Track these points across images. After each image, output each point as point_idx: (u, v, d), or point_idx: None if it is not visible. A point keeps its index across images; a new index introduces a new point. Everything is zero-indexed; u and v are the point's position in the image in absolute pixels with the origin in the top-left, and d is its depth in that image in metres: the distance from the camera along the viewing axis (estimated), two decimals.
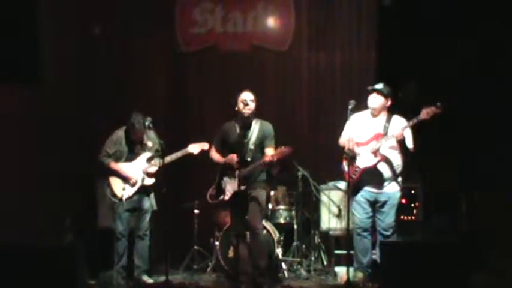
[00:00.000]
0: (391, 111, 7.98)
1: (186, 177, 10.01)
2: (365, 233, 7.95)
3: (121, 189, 8.20)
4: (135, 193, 8.28)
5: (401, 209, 8.20)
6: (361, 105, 7.94)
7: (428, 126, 7.57)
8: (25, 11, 8.90)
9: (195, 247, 9.36)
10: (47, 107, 9.39)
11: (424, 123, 7.53)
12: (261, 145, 7.91)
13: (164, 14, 10.69)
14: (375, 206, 7.90)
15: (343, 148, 7.97)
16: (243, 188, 7.77)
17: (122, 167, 8.30)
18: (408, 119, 7.73)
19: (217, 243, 8.92)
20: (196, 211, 9.42)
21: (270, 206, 9.30)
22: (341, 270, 8.44)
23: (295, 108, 10.59)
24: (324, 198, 9.22)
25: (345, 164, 7.95)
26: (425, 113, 7.46)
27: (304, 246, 9.29)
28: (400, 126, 7.70)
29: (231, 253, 8.52)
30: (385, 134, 7.78)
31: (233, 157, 7.85)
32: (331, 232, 9.19)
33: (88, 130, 9.81)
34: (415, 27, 9.68)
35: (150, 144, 8.40)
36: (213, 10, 10.76)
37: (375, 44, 10.34)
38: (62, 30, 9.77)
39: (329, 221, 9.20)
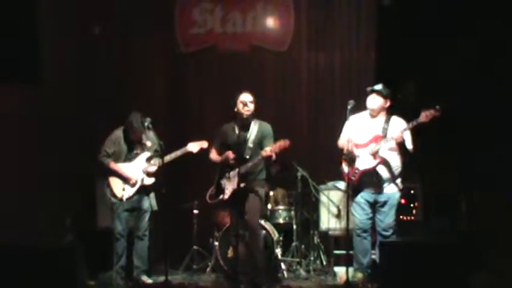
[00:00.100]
0: (390, 111, 7.98)
1: (186, 177, 10.01)
2: (365, 234, 7.95)
3: (121, 190, 8.21)
4: (135, 193, 8.28)
5: (400, 209, 8.21)
6: (361, 106, 7.95)
7: (427, 127, 7.57)
8: (25, 11, 8.90)
9: (195, 247, 9.37)
10: (47, 107, 9.39)
11: (424, 125, 7.53)
12: (260, 144, 7.91)
13: (164, 14, 10.69)
14: (375, 206, 7.90)
15: (342, 150, 7.98)
16: (242, 185, 7.78)
17: (122, 167, 8.31)
18: (407, 120, 7.74)
19: (216, 243, 8.91)
20: (195, 211, 9.42)
21: (269, 206, 9.32)
22: (340, 271, 8.45)
23: (295, 108, 10.59)
24: (323, 198, 9.22)
25: (344, 166, 7.96)
26: (424, 116, 7.47)
27: (303, 246, 9.30)
28: (399, 127, 7.71)
29: (230, 253, 8.50)
30: (384, 136, 7.78)
31: (229, 154, 7.87)
32: (330, 232, 9.19)
33: (88, 130, 9.80)
34: (415, 27, 9.69)
35: (149, 144, 8.40)
36: (213, 10, 10.76)
37: (374, 44, 10.34)
38: (62, 30, 9.76)
39: (328, 221, 9.20)
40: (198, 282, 8.51)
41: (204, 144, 8.38)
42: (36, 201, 9.00)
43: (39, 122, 9.27)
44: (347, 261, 7.69)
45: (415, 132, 7.76)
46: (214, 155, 8.21)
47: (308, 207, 9.45)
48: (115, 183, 8.28)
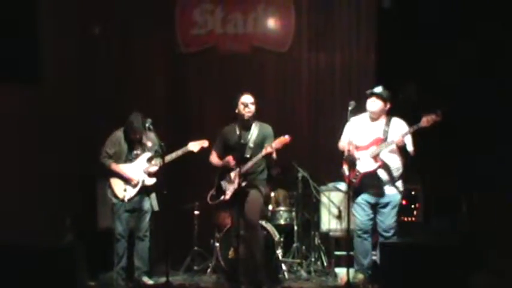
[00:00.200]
0: (391, 112, 7.98)
1: (187, 178, 10.01)
2: (366, 235, 7.95)
3: (122, 190, 8.19)
4: (136, 194, 8.27)
5: (401, 210, 8.19)
6: (361, 107, 7.94)
7: (428, 128, 7.56)
8: (25, 11, 8.90)
9: (195, 248, 9.37)
10: (47, 107, 9.38)
11: (425, 130, 7.55)
12: (261, 145, 7.92)
13: (164, 14, 10.69)
14: (376, 207, 7.90)
15: (342, 152, 7.98)
16: (243, 184, 7.79)
17: (123, 168, 8.30)
18: (408, 121, 7.76)
19: (217, 244, 8.92)
20: (196, 212, 9.42)
21: (270, 207, 9.32)
22: (341, 272, 8.43)
23: (295, 109, 10.59)
24: (324, 199, 9.22)
25: (345, 168, 7.95)
26: (425, 121, 7.48)
27: (304, 247, 9.28)
28: (400, 130, 7.73)
29: (231, 254, 8.49)
30: (385, 138, 7.79)
31: (229, 159, 7.89)
32: (331, 233, 9.20)
33: (88, 130, 9.81)
34: (415, 29, 9.69)
35: (149, 144, 8.39)
36: (213, 11, 10.76)
37: (374, 46, 10.35)
38: (62, 30, 9.76)
39: (329, 222, 9.20)
40: (198, 283, 8.51)
41: (205, 143, 8.38)
42: (36, 201, 9.00)
43: (39, 122, 9.26)
44: (348, 262, 7.69)
45: (416, 134, 7.74)
46: (214, 158, 8.22)
47: (309, 208, 9.44)
48: (116, 184, 8.27)
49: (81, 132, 9.83)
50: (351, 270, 7.65)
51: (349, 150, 7.75)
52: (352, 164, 7.84)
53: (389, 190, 7.85)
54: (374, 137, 7.87)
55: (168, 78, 10.70)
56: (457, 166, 9.35)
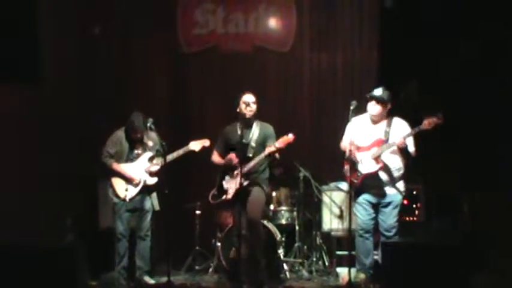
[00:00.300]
0: (392, 112, 7.96)
1: (188, 178, 10.02)
2: (367, 235, 7.95)
3: (124, 190, 8.20)
4: (138, 193, 8.27)
5: (403, 210, 8.18)
6: (363, 106, 7.93)
7: (429, 131, 7.55)
8: (25, 11, 8.89)
9: (197, 248, 9.37)
10: (47, 107, 9.37)
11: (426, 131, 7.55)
12: (262, 144, 7.95)
13: (165, 14, 10.68)
14: (378, 207, 7.90)
15: (344, 152, 7.97)
16: (246, 183, 7.81)
17: (124, 167, 8.29)
18: (410, 121, 7.76)
19: (219, 244, 8.90)
20: (198, 212, 9.42)
21: (271, 207, 9.30)
22: (343, 271, 8.44)
23: (297, 109, 10.58)
24: (325, 199, 9.21)
25: (347, 168, 7.94)
26: (426, 124, 7.48)
27: (306, 247, 9.26)
28: (401, 130, 7.73)
29: (232, 254, 8.49)
30: (387, 140, 7.78)
31: (232, 157, 7.90)
32: (333, 233, 9.19)
33: (88, 130, 9.82)
34: (417, 28, 9.67)
35: (150, 143, 8.39)
36: (215, 11, 10.75)
37: (376, 45, 10.33)
38: (62, 30, 9.76)
39: (331, 222, 9.19)
40: (200, 283, 8.50)
41: (206, 142, 8.39)
42: (37, 201, 9.00)
43: (39, 122, 9.26)
44: (349, 262, 7.67)
45: (417, 134, 7.72)
46: (216, 158, 8.23)
47: (310, 208, 9.43)
48: (117, 184, 8.27)
49: (82, 132, 9.83)
50: (353, 270, 7.66)
51: (350, 151, 7.73)
52: (353, 164, 7.83)
53: (390, 190, 7.85)
54: (375, 138, 7.87)
55: (169, 78, 10.69)
56: (458, 165, 9.34)
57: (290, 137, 7.73)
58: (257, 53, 10.67)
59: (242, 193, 7.84)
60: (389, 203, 7.83)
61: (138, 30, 10.58)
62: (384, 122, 7.90)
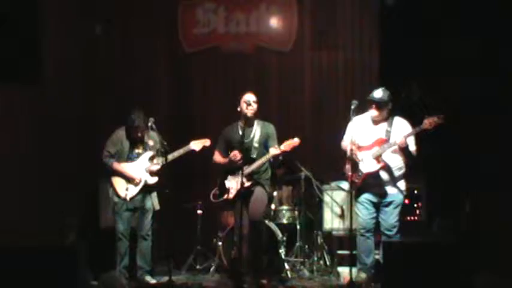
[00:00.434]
0: (393, 111, 7.96)
1: (189, 177, 10.03)
2: (368, 234, 7.94)
3: (124, 189, 8.20)
4: (138, 192, 8.27)
5: (404, 209, 8.17)
6: (364, 105, 7.92)
7: (430, 131, 7.56)
8: (25, 11, 8.88)
9: (198, 247, 9.36)
10: (47, 107, 9.37)
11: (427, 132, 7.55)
12: (265, 144, 8.00)
13: (166, 13, 10.70)
14: (379, 206, 7.89)
15: (345, 151, 7.97)
16: (248, 184, 7.85)
17: (125, 166, 8.29)
18: (410, 120, 7.75)
19: (220, 243, 8.91)
20: (199, 211, 9.42)
21: (273, 206, 9.30)
22: (344, 271, 8.45)
23: (298, 108, 10.60)
24: (326, 198, 9.20)
25: (348, 167, 7.94)
26: (427, 124, 7.47)
27: (307, 246, 9.27)
28: (402, 129, 7.72)
29: (234, 253, 8.49)
30: (388, 139, 7.77)
31: (236, 153, 7.89)
32: (334, 232, 9.17)
33: (89, 130, 9.82)
34: (418, 27, 9.66)
35: (151, 143, 8.39)
36: (216, 10, 10.78)
37: (377, 44, 10.35)
38: (62, 30, 9.77)
39: (332, 221, 9.17)
40: (201, 283, 8.46)
41: (207, 142, 8.40)
42: (38, 201, 8.99)
43: (39, 122, 9.25)
44: (350, 261, 7.69)
45: (418, 134, 7.73)
46: (218, 157, 8.24)
47: (312, 207, 9.44)
48: (118, 183, 8.27)
49: (82, 131, 9.84)
50: (354, 269, 7.66)
51: (351, 150, 7.73)
52: (354, 163, 7.84)
53: (392, 190, 7.84)
54: (376, 137, 7.86)
55: (170, 77, 10.72)
56: (460, 165, 9.33)
57: (296, 140, 7.78)
58: (258, 52, 10.70)
59: (244, 193, 7.86)
60: (390, 203, 7.82)
61: (139, 30, 10.61)
62: (385, 122, 7.90)
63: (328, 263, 9.15)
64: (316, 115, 10.53)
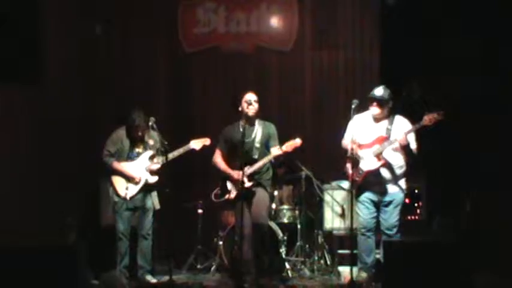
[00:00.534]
0: (394, 110, 7.97)
1: (190, 177, 10.04)
2: (369, 233, 7.95)
3: (124, 189, 8.20)
4: (139, 192, 8.27)
5: (404, 208, 8.18)
6: (365, 105, 7.93)
7: (430, 127, 7.56)
8: (25, 11, 8.87)
9: (199, 247, 9.36)
10: (47, 107, 9.37)
11: (427, 129, 7.55)
12: (266, 144, 8.01)
13: (166, 13, 10.69)
14: (379, 205, 7.89)
15: (346, 150, 7.97)
16: (250, 184, 7.86)
17: (125, 166, 8.30)
18: (411, 118, 7.75)
19: (221, 242, 8.92)
20: (200, 211, 9.42)
21: (273, 205, 9.30)
22: (345, 270, 8.45)
23: (298, 107, 10.61)
24: (327, 197, 9.20)
25: (348, 166, 7.95)
26: (427, 120, 7.48)
27: (307, 245, 9.26)
28: (403, 128, 7.72)
29: (234, 253, 8.49)
30: (388, 137, 7.78)
31: (236, 175, 7.87)
32: (334, 232, 9.17)
33: (89, 130, 9.83)
34: (418, 26, 9.67)
35: (151, 142, 8.40)
36: (216, 10, 10.77)
37: (378, 44, 10.35)
38: (62, 30, 9.77)
39: (332, 221, 9.17)
40: (202, 282, 8.46)
41: (207, 141, 8.41)
42: (38, 201, 8.99)
43: (40, 122, 9.25)
44: (351, 260, 7.69)
45: (418, 132, 7.73)
46: (218, 158, 8.24)
47: (312, 206, 9.44)
48: (118, 182, 8.28)
49: (83, 132, 9.85)
50: (355, 269, 7.67)
51: (352, 149, 7.74)
52: (355, 162, 7.84)
53: (392, 188, 7.85)
54: (377, 135, 7.87)
55: (170, 77, 10.71)
56: (460, 164, 9.34)
57: (297, 141, 7.82)
58: (258, 52, 10.70)
59: (245, 193, 7.86)
60: (390, 202, 7.82)
61: (139, 30, 10.61)
62: (386, 120, 7.91)
63: (328, 262, 9.14)
64: (317, 115, 10.53)
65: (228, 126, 8.25)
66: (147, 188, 8.33)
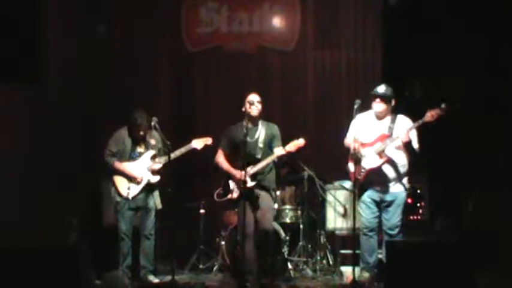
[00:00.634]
0: (396, 110, 7.97)
1: (191, 176, 10.04)
2: (371, 233, 7.94)
3: (126, 189, 8.20)
4: (140, 191, 8.28)
5: (407, 208, 8.17)
6: (367, 105, 7.93)
7: (433, 125, 7.56)
8: (26, 11, 8.87)
9: (201, 247, 9.36)
10: (48, 107, 9.36)
11: (430, 125, 7.54)
12: (269, 144, 8.01)
13: (169, 13, 10.69)
14: (381, 205, 7.89)
15: (348, 149, 7.97)
16: (253, 184, 7.86)
17: (127, 166, 8.30)
18: (413, 119, 7.73)
19: (223, 242, 8.92)
20: (202, 211, 9.42)
21: (276, 205, 9.29)
22: (347, 270, 8.44)
23: (301, 107, 10.61)
24: (329, 197, 9.20)
25: (350, 165, 7.95)
26: (429, 116, 7.47)
27: (310, 245, 9.27)
28: (405, 126, 7.71)
29: (237, 253, 8.49)
30: (390, 134, 7.77)
31: (242, 175, 7.86)
32: (337, 232, 9.18)
33: (91, 130, 9.83)
34: (421, 26, 9.67)
35: (153, 142, 8.40)
36: (219, 10, 10.78)
37: (380, 44, 10.35)
38: (63, 30, 9.77)
39: (335, 221, 9.18)
40: (204, 282, 8.47)
41: (208, 140, 8.41)
42: (40, 201, 8.99)
43: (39, 122, 9.24)
44: (353, 260, 7.68)
45: (421, 131, 7.74)
46: (221, 158, 8.23)
47: (315, 206, 9.43)
48: (120, 182, 8.28)
49: (84, 132, 9.86)
50: (357, 269, 7.67)
51: (355, 149, 7.74)
52: (357, 160, 7.83)
53: (394, 188, 7.84)
54: (379, 133, 7.87)
55: (173, 77, 10.71)
56: (462, 164, 9.33)
57: (301, 141, 7.84)
58: (261, 52, 10.70)
59: (248, 193, 7.87)
60: (393, 201, 7.81)
61: (141, 30, 10.60)
62: (388, 118, 7.90)
63: (331, 262, 9.15)
64: (319, 115, 10.53)
65: (231, 126, 8.25)
66: (149, 188, 8.33)
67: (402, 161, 7.83)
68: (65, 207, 9.16)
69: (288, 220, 9.30)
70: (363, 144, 7.88)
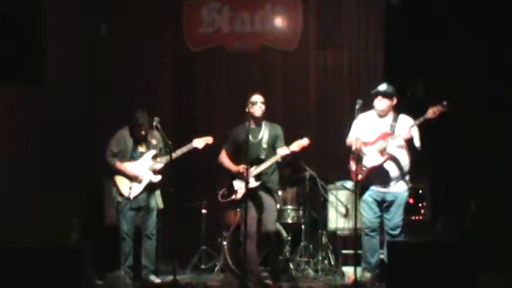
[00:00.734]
0: (398, 110, 7.96)
1: (193, 176, 10.03)
2: (373, 233, 7.93)
3: (128, 188, 8.20)
4: (142, 191, 8.28)
5: (408, 209, 8.16)
6: (369, 105, 7.92)
7: (435, 125, 7.56)
8: (26, 11, 8.86)
9: (203, 247, 9.36)
10: (48, 107, 9.35)
11: (432, 122, 7.52)
12: (273, 144, 8.03)
13: (171, 13, 10.69)
14: (383, 205, 7.88)
15: (350, 148, 7.97)
16: (256, 184, 7.87)
17: (128, 166, 8.30)
18: (415, 118, 7.71)
19: (225, 243, 8.91)
20: (203, 211, 9.42)
21: (278, 206, 9.29)
22: (349, 270, 8.44)
23: (303, 107, 10.61)
24: (331, 198, 9.20)
25: (352, 164, 7.94)
26: (431, 112, 7.46)
27: (311, 246, 9.26)
28: (407, 125, 7.69)
29: (238, 253, 8.48)
30: (392, 133, 7.76)
31: (244, 168, 7.85)
32: (338, 232, 9.18)
33: (92, 130, 9.83)
34: (423, 27, 9.66)
35: (154, 141, 8.41)
36: (221, 10, 10.77)
37: (382, 44, 10.35)
38: (64, 29, 9.75)
39: (336, 221, 9.19)
40: (206, 282, 8.47)
41: (209, 140, 8.42)
42: (42, 201, 8.98)
43: (40, 122, 9.23)
44: (355, 260, 7.67)
45: (423, 129, 7.73)
46: (225, 158, 8.24)
47: (316, 207, 9.43)
48: (121, 182, 8.28)
49: (85, 132, 9.86)
50: (359, 269, 7.64)
51: (356, 149, 7.73)
52: (359, 159, 7.82)
53: (396, 187, 7.82)
54: (381, 132, 7.86)
55: (174, 77, 10.71)
56: (464, 164, 9.32)
57: (305, 141, 7.88)
58: (263, 52, 10.71)
59: (252, 194, 7.87)
60: (394, 201, 7.80)
61: (143, 29, 10.59)
62: (390, 117, 7.89)
63: (332, 262, 9.15)
64: (321, 115, 10.53)
65: (237, 126, 8.24)
66: (150, 188, 8.33)
67: (404, 159, 7.82)
68: (66, 207, 9.14)
69: (289, 220, 9.30)
70: (364, 143, 7.88)
